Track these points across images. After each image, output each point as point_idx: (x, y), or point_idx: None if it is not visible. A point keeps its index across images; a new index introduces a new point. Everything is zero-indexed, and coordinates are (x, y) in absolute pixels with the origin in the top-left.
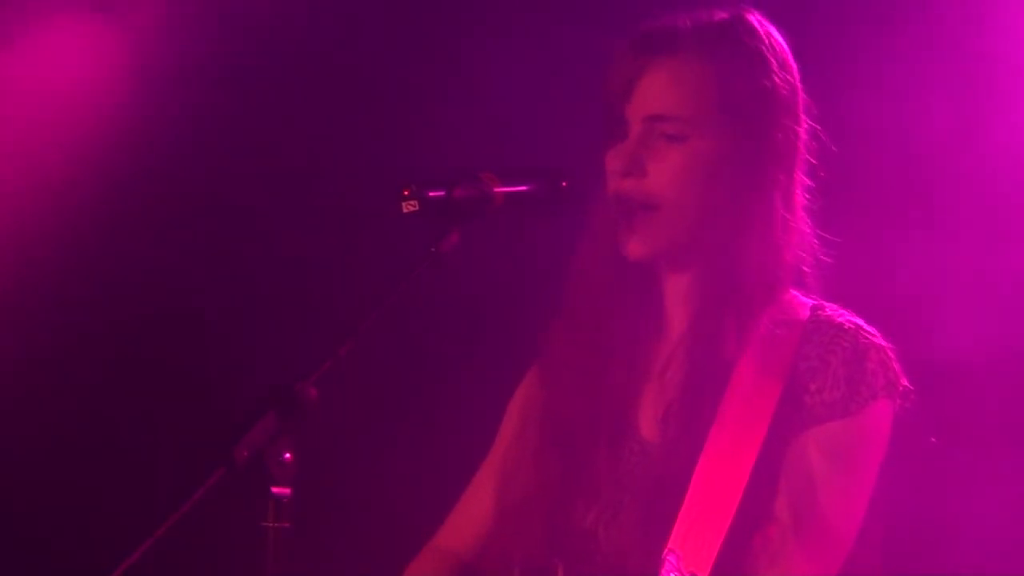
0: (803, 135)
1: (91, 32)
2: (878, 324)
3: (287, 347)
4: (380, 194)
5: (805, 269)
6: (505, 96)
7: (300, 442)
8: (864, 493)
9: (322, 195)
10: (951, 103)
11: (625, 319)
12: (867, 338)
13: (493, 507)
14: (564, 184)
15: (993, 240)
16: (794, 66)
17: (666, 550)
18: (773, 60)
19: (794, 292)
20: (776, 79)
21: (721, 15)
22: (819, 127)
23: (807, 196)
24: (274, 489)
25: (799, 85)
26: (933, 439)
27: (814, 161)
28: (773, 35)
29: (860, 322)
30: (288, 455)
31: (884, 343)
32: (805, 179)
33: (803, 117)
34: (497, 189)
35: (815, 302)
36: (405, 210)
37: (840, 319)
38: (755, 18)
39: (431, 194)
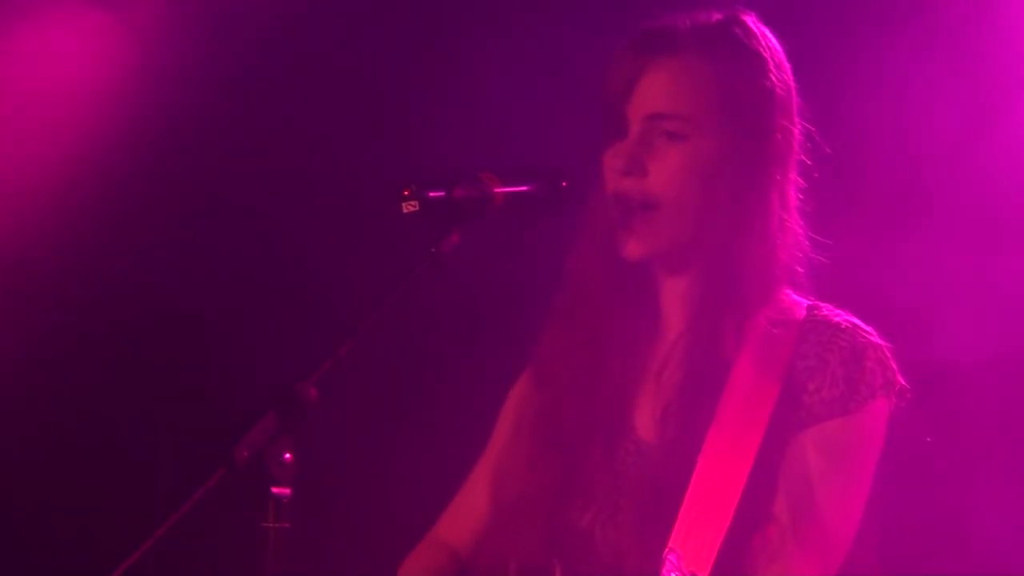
0: (798, 135)
1: (91, 32)
2: (875, 324)
3: (287, 347)
4: (380, 194)
5: (799, 269)
6: (505, 96)
7: (300, 442)
8: (862, 492)
9: (322, 195)
10: (951, 104)
11: (622, 319)
12: (864, 337)
13: (489, 505)
14: (564, 184)
15: (992, 241)
16: (788, 67)
17: (667, 549)
18: (770, 60)
19: (789, 292)
20: (773, 78)
21: (718, 16)
22: (813, 128)
23: (800, 196)
24: (274, 489)
25: (793, 86)
26: (928, 438)
27: (808, 161)
28: (768, 36)
29: (857, 321)
30: (288, 455)
31: (881, 342)
32: (799, 179)
33: (797, 118)
34: (497, 189)
35: (811, 302)
36: (405, 210)
37: (837, 318)
38: (751, 19)
39: (431, 194)
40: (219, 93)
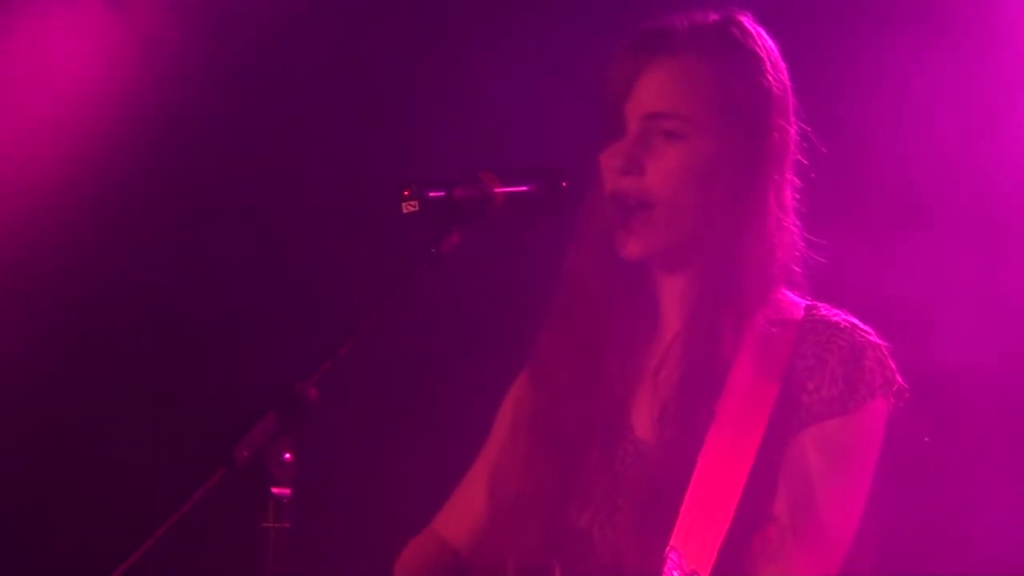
0: (794, 135)
1: (91, 32)
2: (874, 325)
3: (287, 347)
4: (380, 194)
5: (796, 268)
6: (505, 96)
7: (300, 442)
8: (862, 491)
9: (322, 195)
10: (953, 104)
11: (620, 319)
12: (863, 336)
13: (486, 504)
14: (564, 184)
15: (993, 242)
16: (784, 67)
17: (668, 548)
18: (766, 60)
19: (787, 292)
20: (770, 78)
21: (715, 17)
22: (812, 129)
23: (797, 197)
24: (274, 489)
25: (789, 86)
26: (927, 438)
27: (805, 161)
28: (764, 36)
29: (855, 321)
30: (288, 455)
31: (880, 341)
32: (795, 180)
33: (793, 118)
34: (497, 189)
35: (809, 302)
36: (405, 210)
37: (836, 318)
38: (747, 20)
39: (431, 194)
40: (219, 93)
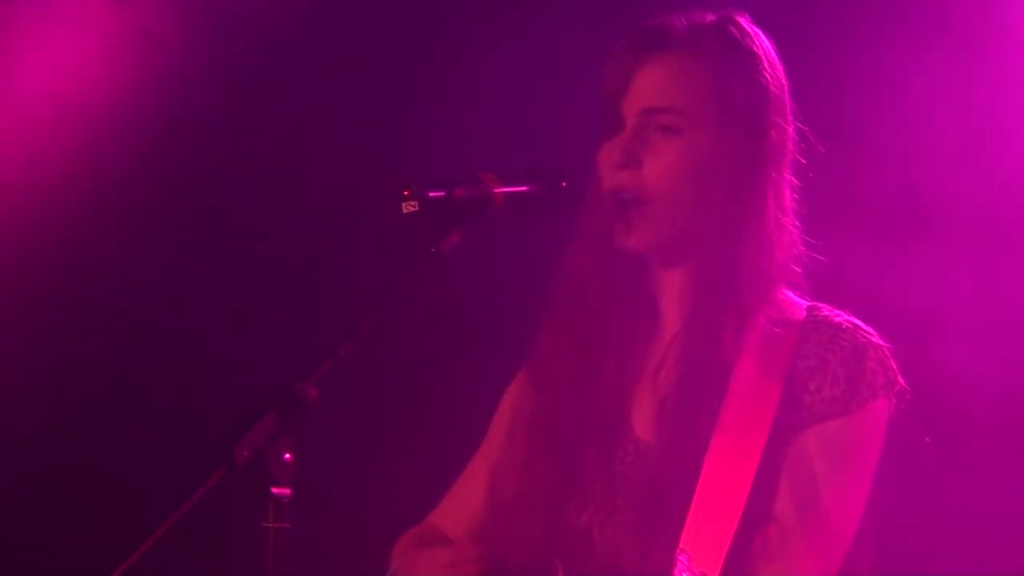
0: (792, 134)
1: (91, 31)
2: (873, 327)
3: (287, 347)
4: (380, 194)
5: (796, 268)
6: (505, 96)
7: (300, 442)
8: (863, 491)
9: (322, 195)
10: (955, 105)
11: (619, 318)
12: (865, 337)
13: (483, 503)
14: (564, 184)
15: (996, 244)
16: (782, 68)
17: (677, 551)
18: (764, 59)
19: (789, 292)
20: (767, 76)
21: (713, 16)
22: (812, 130)
23: (796, 197)
24: (274, 489)
25: (787, 87)
26: (928, 439)
27: (803, 160)
28: (762, 36)
29: (857, 321)
30: (288, 455)
31: (882, 342)
32: (794, 179)
33: (791, 118)
34: (497, 189)
35: (810, 303)
36: (405, 210)
37: (838, 319)
38: (744, 20)
39: (431, 194)
40: (219, 93)
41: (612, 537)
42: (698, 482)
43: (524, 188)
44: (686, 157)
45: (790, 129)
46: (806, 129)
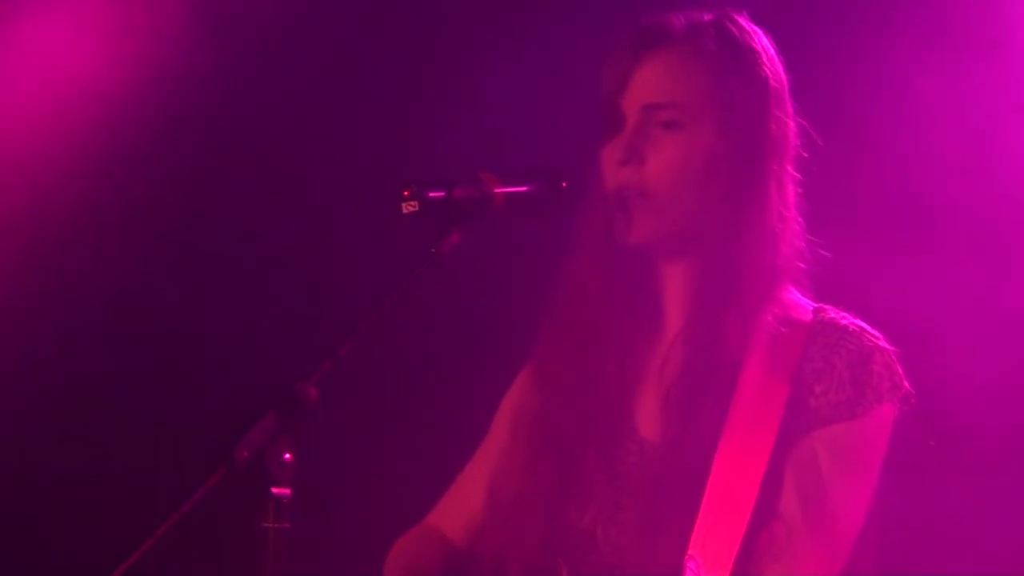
0: (793, 128)
1: (92, 31)
2: (877, 328)
3: (287, 347)
4: (380, 194)
5: (801, 264)
6: (505, 96)
7: (300, 442)
8: (868, 493)
9: (322, 195)
10: (958, 106)
11: (621, 318)
12: (871, 341)
13: (484, 502)
14: (564, 184)
15: (999, 246)
16: (781, 65)
17: (686, 557)
18: (763, 54)
19: (795, 292)
20: (767, 70)
21: (711, 15)
22: (814, 130)
23: (799, 192)
24: (274, 489)
25: (786, 83)
26: (933, 443)
27: (805, 154)
28: (760, 34)
29: (863, 324)
30: (288, 455)
31: (888, 346)
32: (796, 174)
33: (792, 112)
34: (497, 189)
35: (817, 305)
36: (405, 210)
37: (844, 321)
38: (742, 18)
39: (431, 194)
40: (218, 93)
41: (615, 537)
42: (707, 483)
43: (524, 188)
44: (688, 151)
45: (791, 124)
46: (807, 125)
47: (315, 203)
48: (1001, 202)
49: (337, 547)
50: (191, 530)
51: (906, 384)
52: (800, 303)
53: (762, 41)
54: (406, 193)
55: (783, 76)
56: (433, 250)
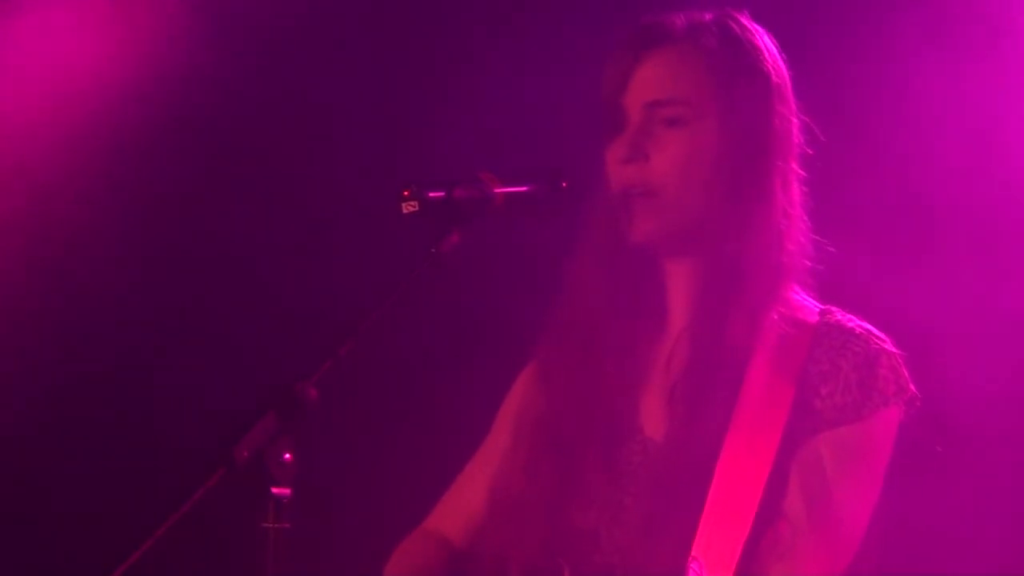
0: (797, 124)
1: (92, 31)
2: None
3: (287, 347)
4: (380, 194)
5: (806, 262)
6: (505, 96)
7: (300, 442)
8: (873, 495)
9: (322, 195)
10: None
11: (623, 318)
12: (878, 344)
13: (485, 502)
14: (564, 184)
15: (1004, 249)
16: (783, 62)
17: (690, 559)
18: (764, 50)
19: (802, 293)
20: (768, 66)
21: (711, 14)
22: (818, 130)
23: (803, 189)
24: (274, 489)
25: (788, 79)
26: (939, 448)
27: (810, 151)
28: (762, 32)
29: (870, 327)
30: (288, 455)
31: (894, 349)
32: (800, 171)
33: (795, 108)
34: (497, 189)
35: (823, 307)
36: (405, 210)
37: (850, 324)
38: (743, 17)
39: (431, 194)
40: (218, 93)
41: (619, 537)
42: (711, 483)
43: (524, 188)
44: (692, 148)
45: (795, 120)
46: (810, 121)
47: (315, 203)
48: (1002, 203)
49: (337, 547)
50: (191, 530)
51: (912, 387)
52: (806, 304)
53: (763, 39)
54: (406, 193)
55: (785, 73)
56: (433, 250)
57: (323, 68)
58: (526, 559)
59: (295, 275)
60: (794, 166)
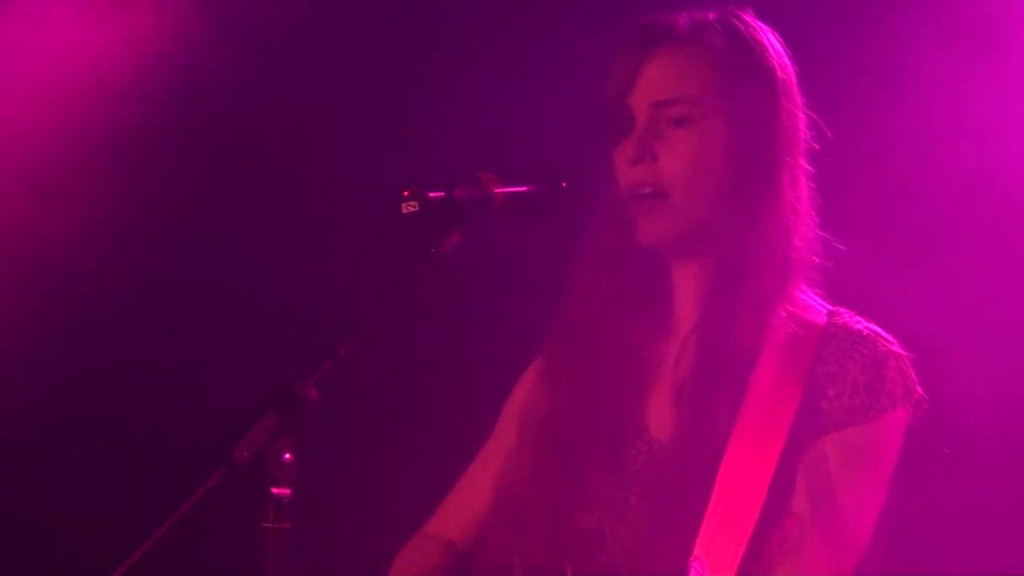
0: (804, 120)
1: (92, 31)
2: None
3: (287, 347)
4: (380, 194)
5: (815, 259)
6: (505, 96)
7: (300, 442)
8: (879, 497)
9: (322, 195)
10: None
11: (631, 318)
12: (885, 346)
13: (489, 501)
14: (564, 184)
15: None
16: (788, 59)
17: (691, 558)
18: (769, 47)
19: (810, 295)
20: (774, 62)
21: (715, 13)
22: (817, 117)
23: (811, 185)
24: (274, 489)
25: (794, 75)
26: (947, 450)
27: (817, 146)
28: (766, 29)
29: (878, 329)
30: (288, 455)
31: (901, 351)
32: (808, 167)
33: (801, 104)
34: (497, 190)
35: (831, 308)
36: (405, 211)
37: (858, 326)
38: (747, 15)
39: (431, 194)
40: (218, 93)
41: (623, 537)
42: (715, 483)
43: (524, 188)
44: (700, 147)
45: (801, 116)
46: (816, 117)
47: (315, 203)
48: (1006, 202)
49: (337, 547)
50: (191, 530)
51: (919, 389)
52: (814, 305)
53: (768, 35)
54: (406, 193)
55: (791, 69)
56: (433, 250)
57: (323, 68)
58: (530, 559)
59: (295, 275)
60: (802, 162)
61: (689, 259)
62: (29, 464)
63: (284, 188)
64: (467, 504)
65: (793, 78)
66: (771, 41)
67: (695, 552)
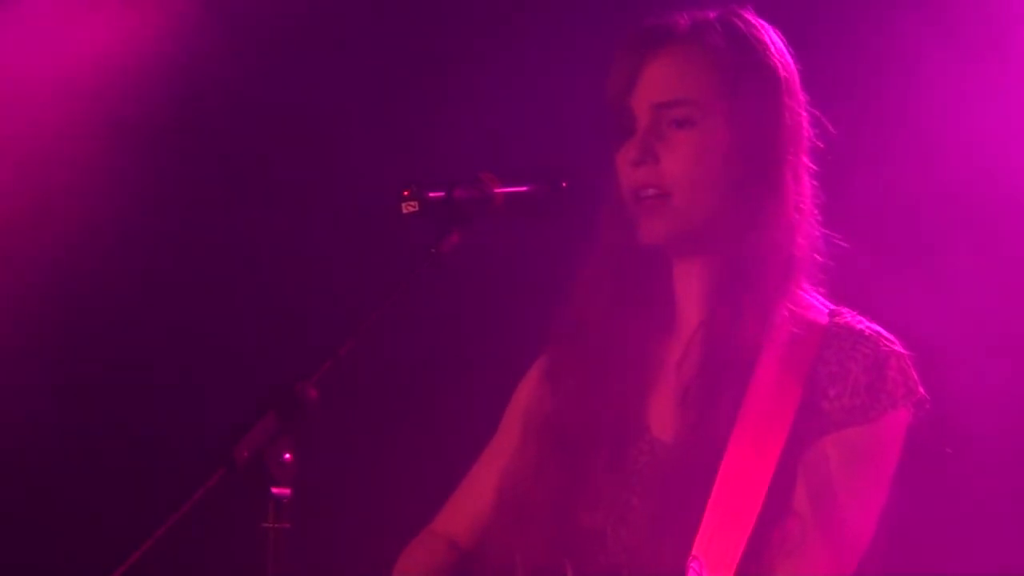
0: (806, 118)
1: (92, 31)
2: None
3: (287, 347)
4: (380, 194)
5: (817, 257)
6: (505, 97)
7: (300, 442)
8: (880, 497)
9: (323, 195)
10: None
11: (634, 318)
12: (887, 346)
13: (492, 501)
14: (564, 184)
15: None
16: (790, 57)
17: (690, 557)
18: (771, 45)
19: (813, 294)
20: (775, 61)
21: (715, 12)
22: (820, 115)
23: (814, 183)
24: (274, 489)
25: (796, 73)
26: (949, 450)
27: (821, 145)
28: (767, 27)
29: (879, 329)
30: (288, 455)
31: (903, 351)
32: (811, 165)
33: (804, 102)
34: (497, 190)
35: (833, 307)
36: (405, 211)
37: (860, 326)
38: (748, 13)
39: (431, 194)
40: (218, 94)
41: (625, 537)
42: (715, 483)
43: (524, 188)
44: (702, 148)
45: (804, 114)
46: (819, 115)
47: (315, 203)
48: (1006, 202)
49: (337, 547)
50: (191, 530)
51: (921, 390)
52: (816, 305)
53: (769, 34)
54: (406, 193)
55: (793, 66)
56: (433, 250)
57: (324, 68)
58: (532, 558)
59: (295, 275)
60: (805, 160)
61: (692, 258)
62: (29, 464)
63: (284, 188)
64: (471, 504)
65: (795, 75)
66: (772, 39)
67: (693, 552)
